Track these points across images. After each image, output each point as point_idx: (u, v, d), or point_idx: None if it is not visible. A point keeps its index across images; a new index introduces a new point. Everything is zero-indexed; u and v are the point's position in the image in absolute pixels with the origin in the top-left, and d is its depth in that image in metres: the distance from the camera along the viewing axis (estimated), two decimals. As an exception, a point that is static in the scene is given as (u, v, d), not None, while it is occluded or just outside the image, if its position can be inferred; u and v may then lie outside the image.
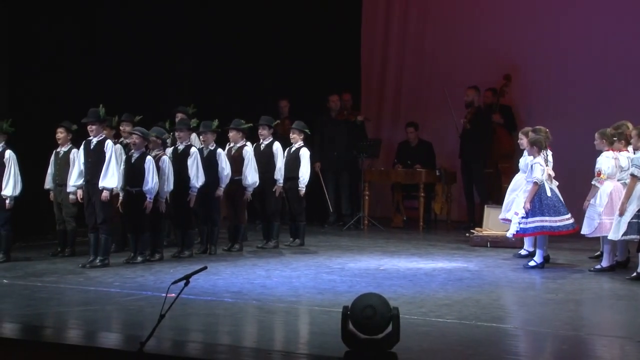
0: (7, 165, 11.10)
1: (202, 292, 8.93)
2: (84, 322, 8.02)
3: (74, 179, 11.08)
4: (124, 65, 14.64)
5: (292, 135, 12.63)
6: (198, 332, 7.68)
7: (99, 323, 8.01)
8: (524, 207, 10.78)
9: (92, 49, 14.40)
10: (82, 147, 11.02)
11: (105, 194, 10.67)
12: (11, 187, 11.09)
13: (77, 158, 11.10)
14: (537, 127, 11.32)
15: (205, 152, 11.81)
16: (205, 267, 6.30)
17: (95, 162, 10.78)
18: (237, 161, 12.00)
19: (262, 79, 16.04)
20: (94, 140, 10.87)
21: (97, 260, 10.74)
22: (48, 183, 11.73)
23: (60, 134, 11.65)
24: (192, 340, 7.38)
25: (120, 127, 12.01)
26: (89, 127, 10.90)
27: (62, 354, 6.68)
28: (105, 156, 10.72)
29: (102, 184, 10.67)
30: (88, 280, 9.88)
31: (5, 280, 9.89)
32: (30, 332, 7.58)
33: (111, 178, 10.69)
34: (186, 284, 5.98)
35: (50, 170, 11.72)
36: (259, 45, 16.25)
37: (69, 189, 11.27)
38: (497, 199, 13.60)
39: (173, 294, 5.99)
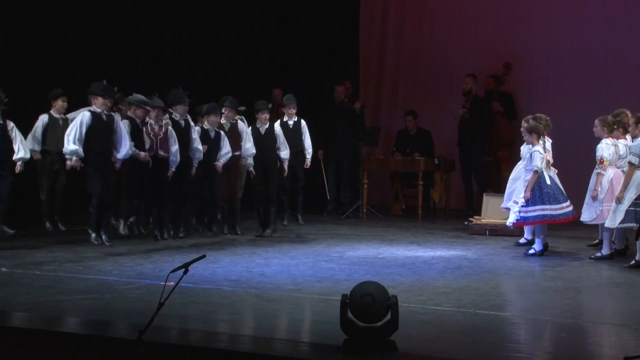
0: (13, 133, 11.30)
1: (201, 281, 8.93)
2: (83, 311, 8.02)
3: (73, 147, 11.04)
4: (119, 48, 14.66)
5: (290, 111, 12.62)
6: (197, 320, 7.68)
7: (97, 311, 8.01)
8: (523, 196, 10.78)
9: (86, 30, 14.39)
10: (89, 117, 10.91)
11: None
12: (23, 151, 11.34)
13: (77, 125, 10.94)
14: (538, 114, 11.33)
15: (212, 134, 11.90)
16: (204, 256, 6.31)
17: (109, 136, 10.95)
18: (234, 137, 12.07)
19: (259, 68, 16.01)
20: (105, 114, 10.95)
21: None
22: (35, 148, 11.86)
23: (64, 102, 11.85)
24: (191, 328, 7.38)
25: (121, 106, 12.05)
26: (103, 101, 10.90)
27: (60, 342, 6.68)
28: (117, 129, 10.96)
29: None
30: (87, 269, 9.87)
31: (4, 269, 9.89)
32: (28, 320, 7.57)
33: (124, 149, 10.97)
34: (185, 273, 5.99)
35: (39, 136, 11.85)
36: (256, 33, 16.23)
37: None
38: (496, 187, 13.61)
39: (172, 282, 5.99)
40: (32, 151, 11.65)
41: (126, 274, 9.56)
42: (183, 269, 5.98)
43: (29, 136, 11.73)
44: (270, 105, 12.99)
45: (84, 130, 10.89)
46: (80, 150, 10.88)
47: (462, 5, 15.79)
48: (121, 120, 11.31)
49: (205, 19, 16.04)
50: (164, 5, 15.50)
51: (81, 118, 10.92)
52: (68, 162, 11.12)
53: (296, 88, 15.42)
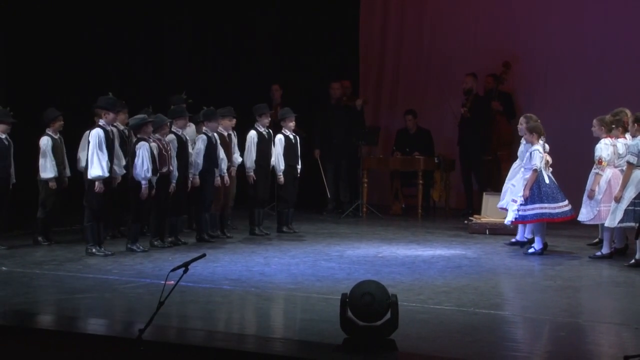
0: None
1: (200, 280, 8.94)
2: (83, 310, 8.03)
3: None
4: (118, 49, 14.67)
5: (289, 124, 12.55)
6: (197, 320, 7.69)
7: (97, 310, 8.03)
8: (522, 195, 10.78)
9: (82, 37, 14.41)
10: (103, 134, 10.55)
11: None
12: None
13: (96, 148, 10.53)
14: (528, 114, 11.36)
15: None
16: (204, 255, 6.31)
17: (112, 152, 10.82)
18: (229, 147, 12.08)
19: (258, 65, 16.02)
20: (112, 130, 10.84)
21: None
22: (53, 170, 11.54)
23: (61, 121, 11.52)
24: (191, 327, 7.39)
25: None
26: (114, 116, 10.79)
27: (60, 342, 6.69)
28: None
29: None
30: (87, 268, 9.88)
31: (4, 268, 9.90)
32: (28, 319, 7.58)
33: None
34: (185, 272, 5.99)
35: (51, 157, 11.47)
36: (255, 30, 16.23)
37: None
38: (496, 186, 13.61)
39: (172, 282, 6.00)
40: (50, 180, 11.19)
41: (126, 273, 9.57)
42: (183, 268, 5.99)
43: (43, 162, 11.18)
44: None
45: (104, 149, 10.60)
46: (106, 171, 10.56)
47: (462, 5, 15.77)
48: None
49: (205, 16, 16.04)
50: (164, 3, 15.51)
51: (97, 138, 10.49)
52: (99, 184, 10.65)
53: (296, 88, 15.46)
